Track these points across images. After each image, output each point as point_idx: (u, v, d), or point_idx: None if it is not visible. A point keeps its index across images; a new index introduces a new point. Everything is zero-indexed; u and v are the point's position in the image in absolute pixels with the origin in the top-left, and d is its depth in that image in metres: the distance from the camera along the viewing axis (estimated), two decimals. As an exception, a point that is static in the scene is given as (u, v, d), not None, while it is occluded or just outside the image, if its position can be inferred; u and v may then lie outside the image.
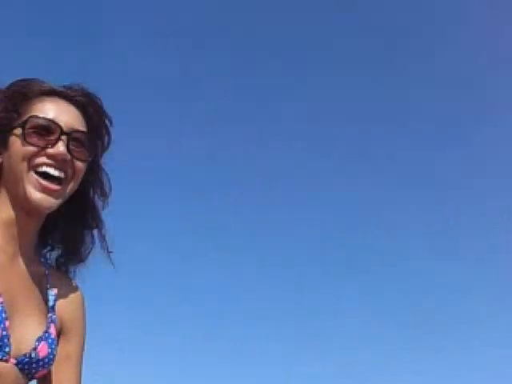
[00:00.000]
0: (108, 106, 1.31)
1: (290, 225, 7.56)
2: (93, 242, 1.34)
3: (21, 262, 1.24)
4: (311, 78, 7.46)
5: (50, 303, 1.26)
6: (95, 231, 1.34)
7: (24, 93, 1.24)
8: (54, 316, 1.26)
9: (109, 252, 1.33)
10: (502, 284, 6.88)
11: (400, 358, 6.66)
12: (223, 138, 7.40)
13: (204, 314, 6.96)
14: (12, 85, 1.27)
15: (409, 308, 7.09)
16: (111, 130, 1.31)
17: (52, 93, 1.26)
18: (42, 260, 1.32)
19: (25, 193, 1.19)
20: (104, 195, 1.33)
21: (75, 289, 1.35)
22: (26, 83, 1.26)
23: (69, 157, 1.21)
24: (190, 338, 6.80)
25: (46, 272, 1.30)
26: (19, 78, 1.28)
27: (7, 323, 1.13)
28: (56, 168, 1.20)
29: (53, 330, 1.24)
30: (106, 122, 1.30)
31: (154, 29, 7.17)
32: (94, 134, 1.28)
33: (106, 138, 1.31)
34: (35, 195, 1.18)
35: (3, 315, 1.12)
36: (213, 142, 7.34)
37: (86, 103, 1.28)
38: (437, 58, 7.24)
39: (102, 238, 1.34)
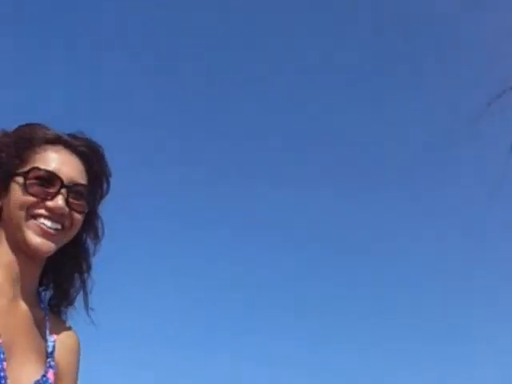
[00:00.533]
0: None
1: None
2: (82, 286, 1.37)
3: (22, 305, 1.26)
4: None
5: (49, 349, 1.28)
6: (85, 276, 1.37)
7: (28, 139, 1.27)
8: (52, 362, 1.27)
9: (87, 300, 1.37)
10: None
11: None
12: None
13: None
14: (17, 130, 1.30)
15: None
16: (110, 179, 1.35)
17: (56, 141, 1.28)
18: (42, 306, 1.34)
19: (24, 238, 1.22)
20: (96, 240, 1.36)
21: (71, 334, 1.37)
22: (31, 129, 1.29)
23: (67, 210, 1.24)
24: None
25: (46, 317, 1.32)
26: (25, 123, 1.31)
27: (5, 364, 1.15)
28: (53, 221, 1.24)
29: (50, 375, 1.25)
30: (106, 172, 1.34)
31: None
32: (94, 182, 1.32)
33: (105, 187, 1.35)
34: (35, 240, 1.22)
35: (2, 356, 1.15)
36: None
37: (89, 153, 1.31)
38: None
39: (84, 283, 1.37)
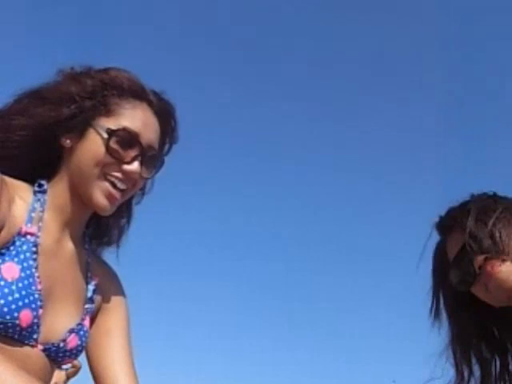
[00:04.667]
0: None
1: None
2: (121, 230, 1.38)
3: (68, 246, 1.26)
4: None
5: (89, 294, 1.28)
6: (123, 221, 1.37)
7: (118, 88, 1.23)
8: (91, 307, 1.28)
9: (119, 244, 1.38)
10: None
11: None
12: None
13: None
14: (103, 72, 1.25)
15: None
16: (174, 145, 1.34)
17: (143, 98, 1.25)
18: (86, 247, 1.34)
19: (91, 194, 1.21)
20: (143, 190, 1.35)
21: (114, 275, 1.39)
22: (119, 75, 1.25)
23: (138, 176, 1.24)
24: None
25: (89, 260, 1.32)
26: (109, 67, 1.26)
27: (40, 311, 1.15)
28: (123, 182, 1.22)
29: (87, 322, 1.26)
30: (175, 137, 1.33)
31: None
32: (161, 143, 1.30)
33: (167, 149, 1.34)
34: (101, 200, 1.21)
35: (38, 303, 1.14)
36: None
37: (168, 116, 1.30)
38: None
39: (123, 229, 1.38)
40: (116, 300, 1.35)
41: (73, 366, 3.72)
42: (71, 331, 1.21)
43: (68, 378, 3.76)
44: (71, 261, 1.26)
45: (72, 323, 1.22)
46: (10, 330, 1.11)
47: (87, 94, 1.22)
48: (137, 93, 1.24)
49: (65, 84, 1.23)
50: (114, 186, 1.21)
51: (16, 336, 1.12)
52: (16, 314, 1.11)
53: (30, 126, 1.22)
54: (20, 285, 1.12)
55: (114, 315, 1.34)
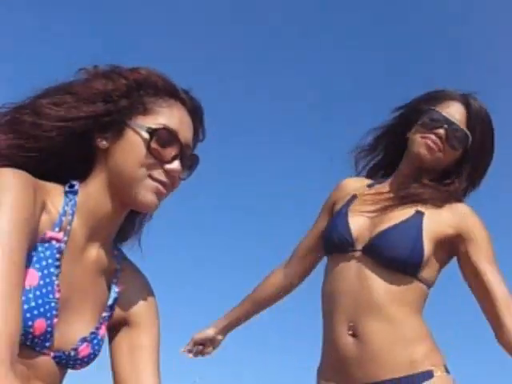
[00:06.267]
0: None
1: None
2: (139, 226, 1.35)
3: (92, 253, 1.21)
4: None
5: (110, 301, 1.25)
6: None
7: (153, 87, 1.21)
8: (108, 315, 1.25)
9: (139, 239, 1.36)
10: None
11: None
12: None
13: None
14: (134, 72, 1.22)
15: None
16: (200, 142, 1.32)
17: (176, 96, 1.24)
18: (116, 253, 1.30)
19: (137, 194, 1.18)
20: None
21: (145, 283, 1.34)
22: (151, 75, 1.22)
23: (179, 175, 1.23)
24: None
25: (118, 267, 1.28)
26: (138, 66, 1.23)
27: (55, 320, 1.11)
28: (165, 183, 1.21)
29: (102, 331, 1.23)
30: (204, 134, 1.32)
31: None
32: (194, 140, 1.29)
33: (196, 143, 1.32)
34: (150, 197, 1.19)
35: (53, 312, 1.11)
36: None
37: (200, 115, 1.29)
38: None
39: (141, 225, 1.36)
40: (148, 315, 1.30)
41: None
42: (83, 340, 1.18)
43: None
44: (94, 267, 1.21)
45: (86, 331, 1.19)
46: (22, 337, 1.06)
47: (123, 93, 1.19)
48: (171, 91, 1.23)
49: (97, 82, 1.19)
50: (160, 184, 1.19)
51: (28, 342, 1.09)
52: (30, 323, 1.07)
53: (67, 118, 1.16)
54: (38, 293, 1.08)
55: (147, 331, 1.29)
